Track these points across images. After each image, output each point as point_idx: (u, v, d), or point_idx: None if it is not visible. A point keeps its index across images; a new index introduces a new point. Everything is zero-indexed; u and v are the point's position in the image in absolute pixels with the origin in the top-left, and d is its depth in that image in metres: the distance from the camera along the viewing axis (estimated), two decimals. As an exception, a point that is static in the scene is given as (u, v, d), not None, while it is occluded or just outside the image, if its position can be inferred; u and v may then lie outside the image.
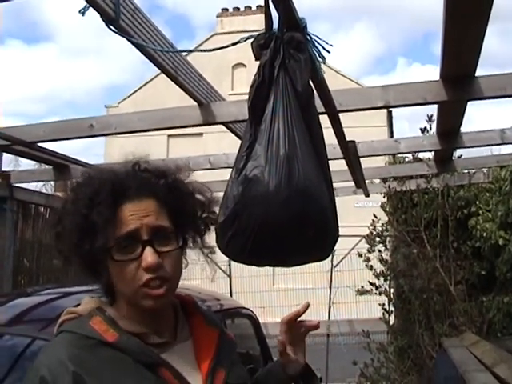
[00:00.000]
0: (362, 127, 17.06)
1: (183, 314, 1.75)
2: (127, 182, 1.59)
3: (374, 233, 8.60)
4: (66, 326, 1.59)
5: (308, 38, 2.36)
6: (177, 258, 1.61)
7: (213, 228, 1.78)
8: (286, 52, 2.15)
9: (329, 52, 2.49)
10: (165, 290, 1.54)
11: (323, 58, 2.50)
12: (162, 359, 1.54)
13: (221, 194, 2.17)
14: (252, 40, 2.24)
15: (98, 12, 2.83)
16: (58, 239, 1.63)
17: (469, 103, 4.41)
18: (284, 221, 2.00)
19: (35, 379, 1.45)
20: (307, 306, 2.00)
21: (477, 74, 3.84)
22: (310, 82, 2.31)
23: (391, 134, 26.54)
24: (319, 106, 3.59)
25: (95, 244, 1.50)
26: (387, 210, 9.04)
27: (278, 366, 2.00)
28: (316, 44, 2.43)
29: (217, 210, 1.81)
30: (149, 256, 1.51)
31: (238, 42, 2.46)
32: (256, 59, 2.21)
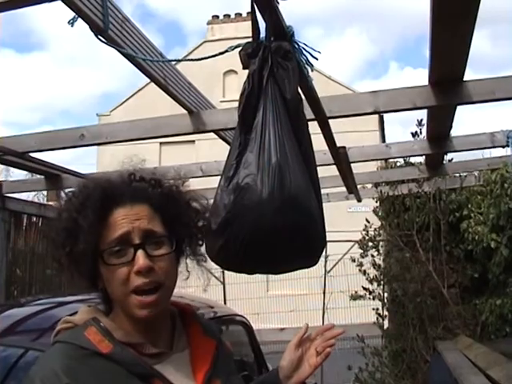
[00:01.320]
0: (354, 132, 17.11)
1: (181, 323, 1.75)
2: (121, 188, 1.61)
3: (367, 237, 8.62)
4: (61, 336, 1.60)
5: (296, 45, 2.37)
6: (170, 263, 1.60)
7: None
8: (274, 61, 2.16)
9: (317, 59, 2.50)
10: (157, 298, 1.54)
11: (311, 65, 2.51)
12: (155, 371, 1.54)
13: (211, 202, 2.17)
14: (239, 49, 2.26)
15: (87, 23, 2.84)
16: (52, 245, 1.65)
17: (459, 107, 4.43)
18: (277, 228, 2.00)
19: None
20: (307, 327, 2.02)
21: (468, 78, 3.86)
22: (299, 89, 2.33)
23: (383, 139, 26.60)
24: (309, 112, 3.61)
25: (80, 246, 1.52)
26: (379, 214, 9.06)
27: (273, 377, 2.00)
28: (304, 51, 2.44)
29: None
30: (140, 259, 1.52)
31: (226, 51, 2.48)
32: (244, 68, 2.22)
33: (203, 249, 1.82)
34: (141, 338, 1.59)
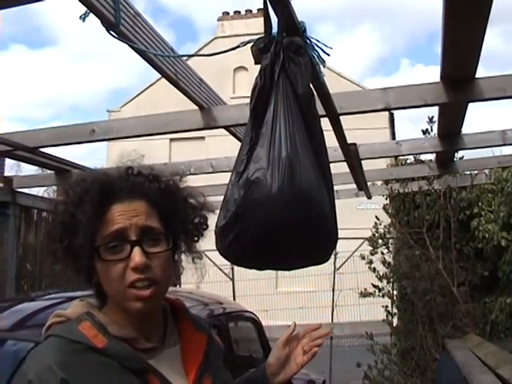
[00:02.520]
0: (363, 129, 17.07)
1: (173, 318, 1.74)
2: (118, 183, 1.60)
3: (377, 235, 8.60)
4: (54, 329, 1.58)
5: (307, 41, 2.37)
6: (166, 260, 1.59)
7: (205, 233, 1.78)
8: (286, 56, 2.16)
9: (328, 55, 2.50)
10: (152, 292, 1.53)
11: (323, 61, 2.51)
12: (149, 365, 1.54)
13: (221, 198, 2.17)
14: (251, 44, 2.25)
15: (99, 18, 2.85)
16: (48, 238, 1.65)
17: (470, 104, 4.41)
18: (286, 223, 2.00)
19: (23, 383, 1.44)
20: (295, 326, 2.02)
21: (479, 75, 3.85)
22: (311, 85, 2.32)
23: (393, 136, 26.54)
24: (320, 108, 3.61)
25: (77, 241, 1.52)
26: (389, 212, 9.04)
27: (260, 373, 2.01)
28: (316, 47, 2.44)
29: (209, 215, 1.78)
30: (136, 256, 1.51)
31: (238, 46, 2.48)
32: (256, 63, 2.22)
33: (206, 245, 1.81)
34: (134, 332, 1.58)
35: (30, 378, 1.43)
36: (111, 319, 1.57)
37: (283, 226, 2.00)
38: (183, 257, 1.74)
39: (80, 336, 1.50)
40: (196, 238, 1.73)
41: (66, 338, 1.51)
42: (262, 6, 2.25)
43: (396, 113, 25.68)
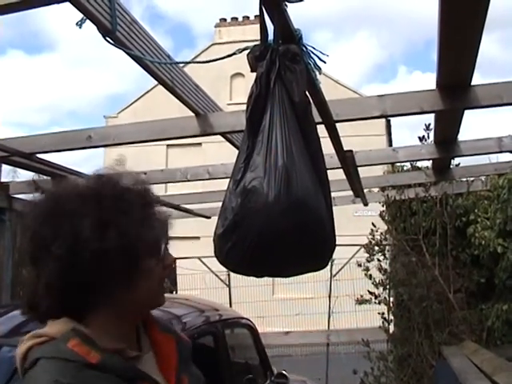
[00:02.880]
0: (360, 136, 17.09)
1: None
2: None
3: (373, 242, 8.61)
4: (40, 351, 1.47)
5: (304, 49, 2.37)
6: None
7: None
8: (282, 63, 2.17)
9: (325, 62, 2.50)
10: None
11: (319, 68, 2.51)
12: (143, 373, 1.53)
13: (219, 205, 2.18)
14: (247, 52, 2.26)
15: (95, 24, 2.85)
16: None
17: (466, 111, 4.43)
18: (283, 231, 2.00)
19: None
20: None
21: (476, 82, 3.86)
22: (307, 92, 2.33)
23: (390, 143, 26.58)
24: (316, 115, 3.61)
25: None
26: (386, 218, 9.05)
27: None
28: (312, 55, 2.44)
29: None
30: (170, 252, 1.62)
31: (234, 53, 2.48)
32: (252, 71, 2.23)
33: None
34: (122, 342, 1.54)
35: None
36: (97, 332, 1.50)
37: (280, 233, 2.00)
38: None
39: (72, 354, 1.43)
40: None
41: (59, 359, 1.42)
42: (258, 13, 2.26)
43: (394, 120, 25.80)
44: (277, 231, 2.00)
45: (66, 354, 1.43)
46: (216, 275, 12.15)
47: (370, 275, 8.40)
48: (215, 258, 2.13)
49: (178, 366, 1.65)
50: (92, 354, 1.44)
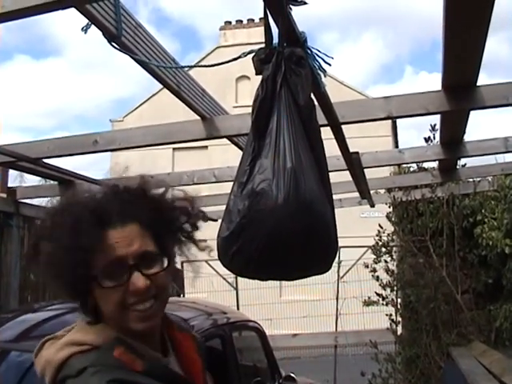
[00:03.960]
0: (366, 137, 17.08)
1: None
2: (108, 206, 1.56)
3: (380, 243, 8.60)
4: (87, 359, 1.46)
5: (308, 51, 2.37)
6: (164, 277, 1.58)
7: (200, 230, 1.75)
8: (288, 67, 2.16)
9: (330, 65, 2.50)
10: (154, 311, 1.54)
11: (324, 71, 2.51)
12: (180, 375, 1.57)
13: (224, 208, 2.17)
14: (253, 55, 2.26)
15: (100, 29, 2.86)
16: (36, 263, 1.57)
17: (472, 111, 4.42)
18: (292, 234, 2.00)
19: None
20: None
21: (483, 82, 3.86)
22: (312, 95, 2.33)
23: (396, 144, 26.56)
24: (322, 118, 3.61)
25: (77, 274, 1.47)
26: (393, 220, 9.04)
27: None
28: (317, 57, 2.44)
29: (200, 216, 1.75)
30: (136, 280, 1.50)
31: (239, 57, 2.48)
32: (256, 74, 2.23)
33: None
34: (152, 349, 1.58)
35: None
36: (136, 341, 1.54)
37: (288, 236, 2.00)
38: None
39: (119, 364, 1.45)
40: (188, 244, 1.72)
41: (107, 367, 1.44)
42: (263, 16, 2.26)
43: (401, 121, 25.74)
44: (285, 233, 2.00)
45: (113, 363, 1.45)
46: (223, 278, 12.14)
47: (378, 276, 8.40)
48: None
49: (202, 363, 1.70)
50: (137, 362, 1.47)
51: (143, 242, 1.55)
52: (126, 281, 1.50)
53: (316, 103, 2.45)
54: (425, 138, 7.11)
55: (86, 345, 1.50)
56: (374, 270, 8.47)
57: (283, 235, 2.00)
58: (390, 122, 24.22)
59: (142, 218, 1.58)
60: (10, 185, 7.01)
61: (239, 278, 12.74)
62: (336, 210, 2.26)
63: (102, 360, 1.45)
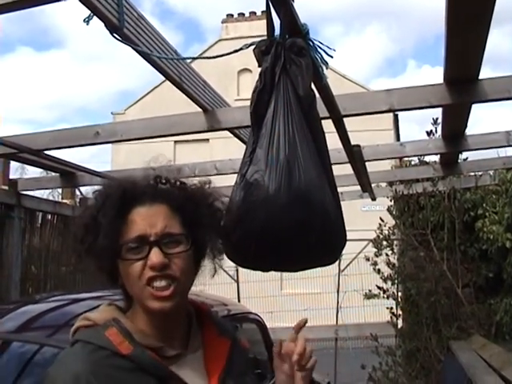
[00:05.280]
0: (368, 131, 17.06)
1: (196, 322, 1.76)
2: (142, 188, 1.64)
3: (381, 236, 8.61)
4: (81, 334, 1.61)
5: (310, 43, 2.37)
6: (186, 260, 1.61)
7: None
8: (287, 57, 2.16)
9: (332, 57, 2.50)
10: (171, 292, 1.55)
11: (326, 63, 2.51)
12: (172, 373, 1.56)
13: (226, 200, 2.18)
14: (254, 47, 2.26)
15: (102, 21, 2.85)
16: (73, 240, 1.68)
17: (474, 105, 4.41)
18: (285, 225, 1.99)
19: None
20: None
21: (485, 76, 3.85)
22: (313, 87, 2.32)
23: (397, 138, 26.54)
24: (324, 110, 3.61)
25: (98, 242, 1.56)
26: (394, 213, 9.04)
27: None
28: (319, 49, 2.44)
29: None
30: (154, 256, 1.54)
31: (241, 48, 2.48)
32: (259, 65, 2.23)
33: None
34: (159, 339, 1.61)
35: None
36: (137, 325, 1.61)
37: (283, 227, 1.99)
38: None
39: (107, 342, 1.54)
40: (223, 243, 1.78)
41: (92, 344, 1.54)
42: (265, 9, 2.26)
43: (402, 114, 25.71)
44: (278, 225, 1.99)
45: (101, 341, 1.54)
46: (224, 270, 12.15)
47: (379, 270, 8.41)
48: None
49: (225, 369, 1.66)
50: (125, 345, 1.54)
51: (169, 222, 1.61)
52: (146, 256, 1.55)
53: (317, 95, 2.45)
54: (427, 132, 7.11)
55: (90, 321, 1.64)
56: (375, 264, 8.48)
57: (277, 227, 1.99)
58: (391, 115, 24.20)
59: (173, 201, 1.64)
60: (11, 176, 7.02)
61: (240, 271, 12.76)
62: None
63: (92, 337, 1.57)
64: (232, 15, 29.72)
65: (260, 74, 2.17)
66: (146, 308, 1.59)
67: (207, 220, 1.70)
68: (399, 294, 8.53)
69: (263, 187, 1.99)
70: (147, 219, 1.59)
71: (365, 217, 17.15)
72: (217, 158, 7.19)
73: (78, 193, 8.35)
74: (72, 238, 1.69)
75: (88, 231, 1.60)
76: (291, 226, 1.99)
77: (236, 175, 2.16)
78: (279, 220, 1.98)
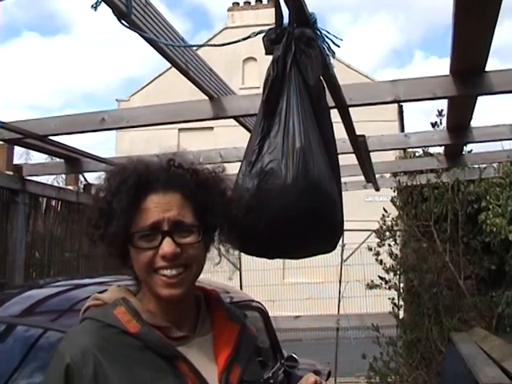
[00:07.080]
0: (372, 122, 17.03)
1: (206, 307, 1.78)
2: (156, 174, 1.64)
3: (384, 227, 8.61)
4: (91, 312, 1.65)
5: (318, 33, 2.38)
6: (197, 250, 1.63)
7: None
8: (298, 47, 2.17)
9: (339, 47, 2.50)
10: (181, 279, 1.58)
11: (333, 52, 2.52)
12: (179, 352, 1.58)
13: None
14: (263, 35, 2.26)
15: (110, 7, 2.85)
16: (86, 222, 1.71)
17: (480, 97, 4.41)
18: (299, 213, 2.01)
19: (61, 366, 1.51)
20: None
21: (492, 68, 3.84)
22: (321, 76, 2.33)
23: (402, 129, 26.50)
24: (329, 99, 3.61)
25: (112, 228, 1.58)
26: (397, 204, 9.04)
27: None
28: (326, 39, 2.45)
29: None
30: (166, 245, 1.56)
31: (249, 36, 2.49)
32: (266, 53, 2.23)
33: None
34: (166, 320, 1.63)
35: (68, 361, 1.51)
36: (145, 306, 1.64)
37: (296, 215, 2.01)
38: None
39: (115, 320, 1.57)
40: (232, 230, 1.77)
41: (101, 322, 1.58)
42: (272, -3, 2.26)
43: (408, 106, 25.63)
44: (293, 213, 2.01)
45: (109, 319, 1.58)
46: (227, 258, 12.17)
47: (381, 260, 8.41)
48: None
49: (233, 353, 1.68)
50: (132, 324, 1.57)
51: (182, 211, 1.62)
52: (158, 245, 1.57)
53: (325, 85, 2.45)
54: (431, 123, 7.09)
55: (100, 300, 1.69)
56: (378, 254, 8.48)
57: (291, 214, 2.01)
58: (396, 106, 24.15)
59: (186, 189, 1.65)
60: (16, 162, 7.03)
61: (243, 259, 12.78)
62: (341, 193, 2.27)
63: (101, 315, 1.61)
64: (238, 3, 29.66)
65: (272, 63, 2.18)
66: (155, 294, 1.61)
67: (219, 208, 1.70)
68: (401, 284, 8.53)
69: (280, 175, 2.01)
70: (160, 207, 1.60)
71: (368, 207, 17.15)
72: (221, 146, 7.19)
73: (81, 179, 8.32)
74: (86, 220, 1.72)
75: (102, 216, 1.62)
76: (304, 214, 2.01)
77: (240, 163, 2.17)
78: (294, 208, 2.00)
